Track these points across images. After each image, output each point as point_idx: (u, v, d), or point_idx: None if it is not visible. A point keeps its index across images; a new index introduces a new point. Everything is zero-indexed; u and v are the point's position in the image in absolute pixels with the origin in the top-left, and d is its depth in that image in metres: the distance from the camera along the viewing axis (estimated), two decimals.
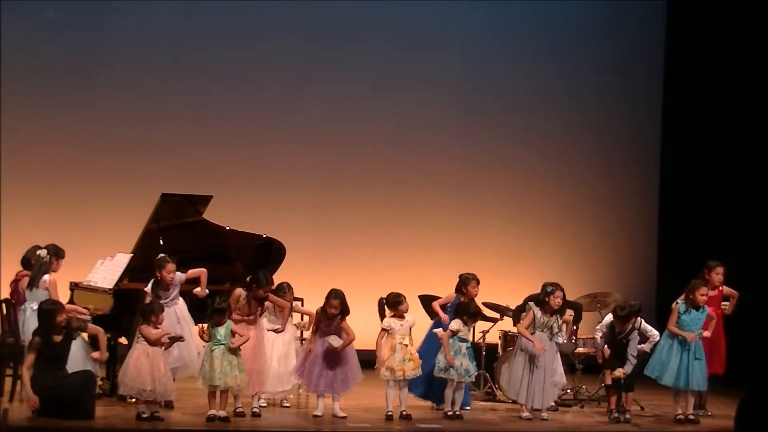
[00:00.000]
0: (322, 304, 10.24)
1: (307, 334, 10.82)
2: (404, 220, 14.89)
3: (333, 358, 10.10)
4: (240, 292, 10.17)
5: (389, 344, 10.18)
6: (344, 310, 10.13)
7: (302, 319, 11.13)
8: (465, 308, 10.41)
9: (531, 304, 10.51)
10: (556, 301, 10.36)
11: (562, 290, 10.45)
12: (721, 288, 11.14)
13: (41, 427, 9.29)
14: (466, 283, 10.76)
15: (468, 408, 10.79)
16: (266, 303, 10.32)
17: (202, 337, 9.84)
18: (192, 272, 10.66)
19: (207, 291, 10.71)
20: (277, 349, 10.45)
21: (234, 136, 14.63)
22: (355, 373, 10.21)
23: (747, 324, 11.57)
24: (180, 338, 9.93)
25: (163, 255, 10.56)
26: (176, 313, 10.49)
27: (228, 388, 9.73)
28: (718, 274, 11.07)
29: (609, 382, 10.44)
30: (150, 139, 14.42)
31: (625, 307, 10.53)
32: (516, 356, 10.50)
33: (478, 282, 10.77)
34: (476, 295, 10.76)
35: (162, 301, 10.27)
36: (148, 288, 10.44)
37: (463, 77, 15.14)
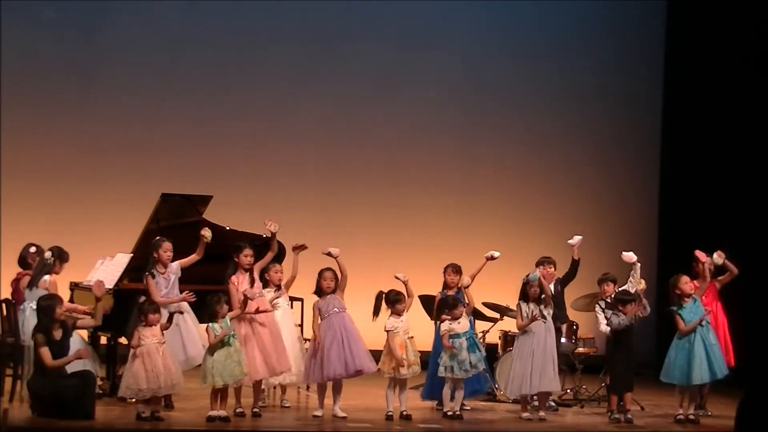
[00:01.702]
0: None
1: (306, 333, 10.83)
2: (404, 220, 14.90)
3: (345, 338, 10.12)
4: (233, 278, 10.15)
5: (399, 343, 10.18)
6: (337, 279, 10.21)
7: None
8: (441, 306, 10.43)
9: (519, 302, 10.55)
10: (533, 290, 10.47)
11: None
12: (709, 279, 11.09)
13: (41, 427, 9.28)
14: (444, 272, 10.85)
15: (484, 392, 10.94)
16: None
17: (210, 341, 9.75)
18: (186, 261, 10.61)
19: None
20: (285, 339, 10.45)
21: (234, 136, 14.64)
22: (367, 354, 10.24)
23: (747, 324, 11.55)
24: (179, 311, 9.83)
25: (158, 237, 10.59)
26: (179, 305, 10.45)
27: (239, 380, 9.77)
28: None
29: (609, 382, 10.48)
30: (150, 139, 14.44)
31: (624, 292, 10.62)
32: (517, 357, 10.46)
33: (455, 270, 10.84)
34: (455, 282, 10.79)
35: (161, 294, 10.26)
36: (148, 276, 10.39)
37: (463, 77, 15.15)
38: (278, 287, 10.51)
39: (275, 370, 10.08)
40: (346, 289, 10.30)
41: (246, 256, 10.21)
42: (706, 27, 14.66)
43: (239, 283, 10.13)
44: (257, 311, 10.02)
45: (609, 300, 10.74)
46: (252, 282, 10.17)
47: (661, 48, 15.46)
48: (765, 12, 13.81)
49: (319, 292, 10.25)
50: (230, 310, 9.85)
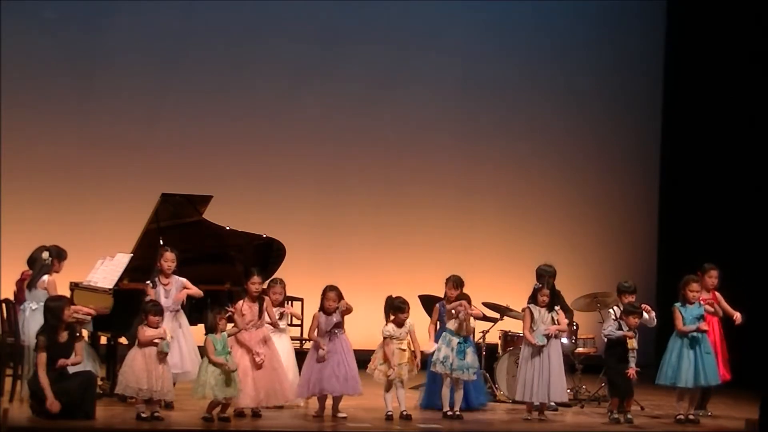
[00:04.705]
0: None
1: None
2: (404, 220, 14.89)
3: (341, 358, 10.07)
4: (240, 303, 10.12)
5: (389, 351, 10.13)
6: (340, 298, 10.12)
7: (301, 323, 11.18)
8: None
9: (530, 306, 10.52)
10: (542, 299, 10.43)
11: (549, 287, 10.54)
12: (715, 294, 11.05)
13: (41, 427, 9.28)
14: (445, 284, 10.83)
15: (483, 406, 10.87)
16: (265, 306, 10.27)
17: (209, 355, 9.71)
18: (192, 292, 10.60)
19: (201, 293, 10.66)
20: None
21: (234, 136, 14.64)
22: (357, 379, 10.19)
23: (747, 324, 11.53)
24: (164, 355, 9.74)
25: (163, 246, 10.59)
26: (178, 318, 10.42)
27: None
28: (711, 277, 10.98)
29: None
30: (150, 139, 14.44)
31: (633, 305, 10.59)
32: (524, 363, 10.42)
33: (456, 284, 10.70)
34: (453, 297, 10.62)
35: (164, 304, 10.24)
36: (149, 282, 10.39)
37: (463, 77, 15.15)
38: (280, 305, 10.50)
39: (261, 403, 9.99)
40: (345, 295, 10.25)
41: (254, 283, 10.13)
42: (706, 27, 14.66)
43: (246, 312, 10.03)
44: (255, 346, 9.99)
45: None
46: (260, 314, 10.10)
47: (661, 48, 15.47)
48: (765, 11, 13.82)
49: (323, 310, 10.17)
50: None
